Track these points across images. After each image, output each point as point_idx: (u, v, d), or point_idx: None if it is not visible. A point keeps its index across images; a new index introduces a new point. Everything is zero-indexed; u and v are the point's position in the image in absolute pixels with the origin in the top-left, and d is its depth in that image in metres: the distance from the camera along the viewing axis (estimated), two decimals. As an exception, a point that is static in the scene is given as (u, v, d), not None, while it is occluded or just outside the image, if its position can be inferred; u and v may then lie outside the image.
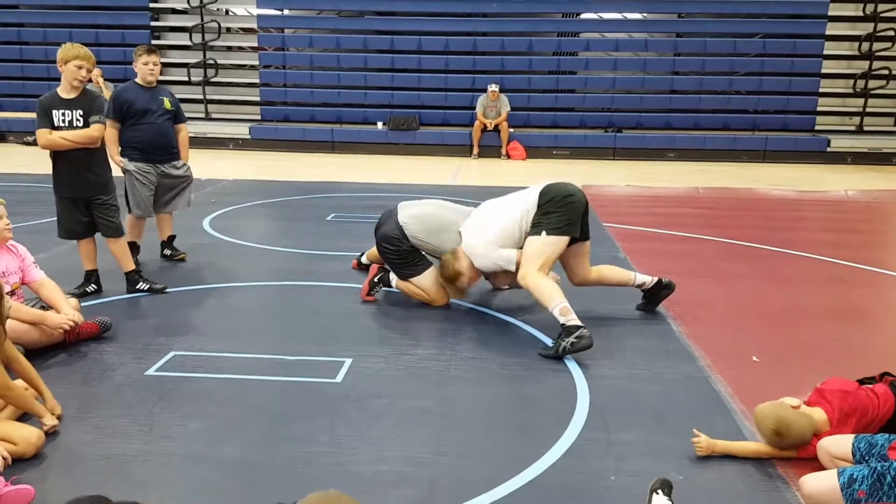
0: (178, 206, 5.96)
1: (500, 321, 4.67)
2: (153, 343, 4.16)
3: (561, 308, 4.09)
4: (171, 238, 6.03)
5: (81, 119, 4.67)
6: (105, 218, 4.90)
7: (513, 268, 4.45)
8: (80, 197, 4.83)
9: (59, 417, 3.20)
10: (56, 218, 4.96)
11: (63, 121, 4.64)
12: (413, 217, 4.80)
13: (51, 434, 3.07)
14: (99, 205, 4.87)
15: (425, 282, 4.83)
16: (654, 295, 4.80)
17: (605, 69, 14.58)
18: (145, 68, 5.50)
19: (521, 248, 4.43)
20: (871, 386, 3.14)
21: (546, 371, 3.88)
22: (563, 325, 4.05)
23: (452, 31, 14.50)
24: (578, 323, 4.04)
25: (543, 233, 4.31)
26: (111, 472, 2.85)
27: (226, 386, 3.65)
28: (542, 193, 4.44)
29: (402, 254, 4.80)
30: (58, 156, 4.74)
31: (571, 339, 3.97)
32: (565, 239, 4.36)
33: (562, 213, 4.35)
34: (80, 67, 4.61)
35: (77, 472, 2.86)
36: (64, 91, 4.67)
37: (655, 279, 4.78)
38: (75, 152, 4.70)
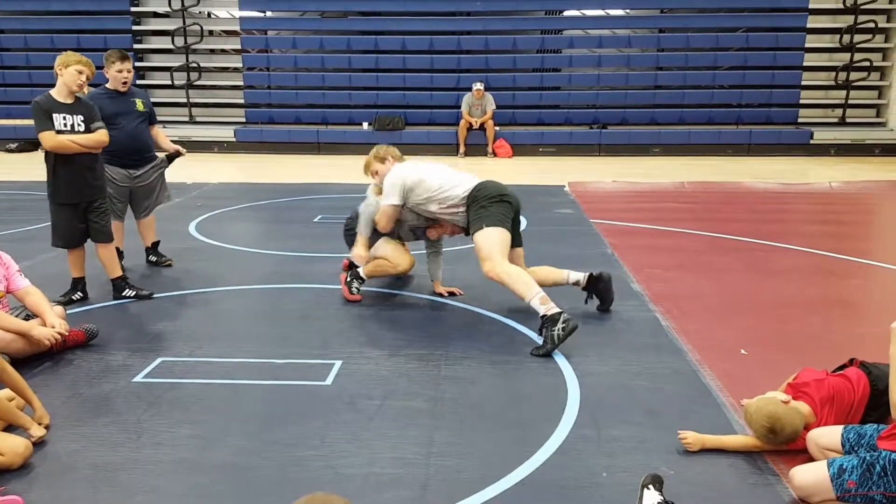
0: (160, 201, 5.91)
1: (489, 320, 4.67)
2: (140, 350, 4.13)
3: (540, 297, 4.14)
4: (156, 244, 5.98)
5: (83, 124, 4.66)
6: (100, 223, 4.87)
7: (365, 221, 4.94)
8: (82, 202, 4.79)
9: (46, 427, 3.17)
10: (51, 226, 4.88)
11: (65, 125, 4.61)
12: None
13: (38, 444, 3.04)
14: (95, 209, 4.85)
15: (384, 249, 5.05)
16: (595, 290, 4.74)
17: (589, 66, 14.63)
18: (119, 76, 5.41)
19: (410, 207, 4.81)
20: (842, 371, 3.18)
21: (536, 368, 3.89)
22: (545, 314, 4.08)
23: (436, 31, 14.50)
24: (559, 309, 4.08)
25: (484, 226, 4.45)
26: (100, 481, 2.83)
27: (215, 391, 3.63)
28: (478, 188, 4.63)
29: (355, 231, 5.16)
30: (59, 161, 4.68)
31: (559, 326, 4.00)
32: (506, 232, 4.49)
33: (497, 208, 4.53)
34: (80, 72, 4.60)
35: (65, 481, 2.83)
36: (61, 96, 4.64)
37: (586, 274, 4.76)
38: (81, 157, 4.68)
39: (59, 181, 4.72)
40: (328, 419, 3.32)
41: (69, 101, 4.65)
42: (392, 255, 5.06)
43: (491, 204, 4.55)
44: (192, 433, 3.20)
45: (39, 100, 4.62)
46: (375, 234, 5.07)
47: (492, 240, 4.42)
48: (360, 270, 5.06)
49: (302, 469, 2.92)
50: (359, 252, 4.97)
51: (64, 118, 4.60)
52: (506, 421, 3.34)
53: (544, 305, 4.10)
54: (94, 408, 3.44)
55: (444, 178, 4.73)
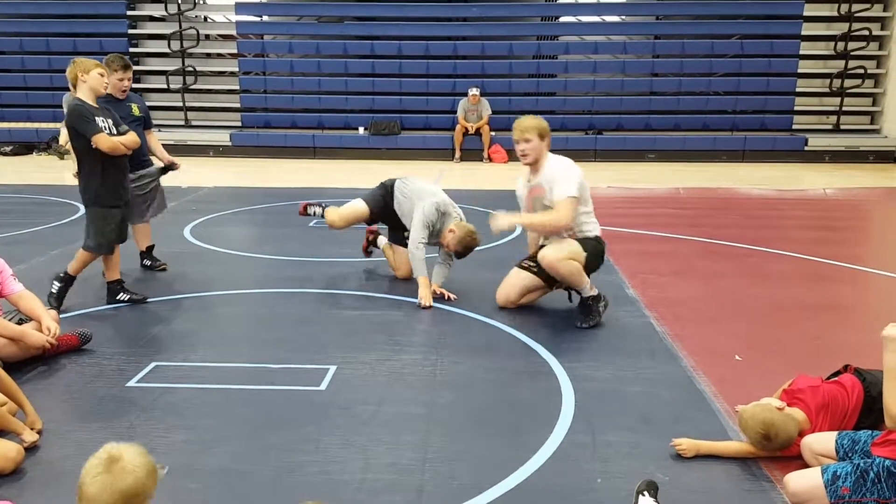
0: (154, 213, 5.91)
1: (485, 325, 4.67)
2: (134, 354, 4.11)
3: (590, 284, 4.68)
4: (151, 248, 5.95)
5: (114, 128, 4.70)
6: (124, 222, 4.94)
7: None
8: (121, 203, 4.84)
9: (38, 432, 3.15)
10: (94, 232, 4.78)
11: (104, 128, 4.62)
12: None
13: (30, 449, 3.02)
14: (126, 208, 4.92)
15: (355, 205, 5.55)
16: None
17: (584, 72, 14.65)
18: (119, 84, 5.41)
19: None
20: (836, 378, 3.18)
21: (531, 374, 3.89)
22: (593, 296, 4.65)
23: (433, 36, 14.53)
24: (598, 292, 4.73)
25: (585, 249, 4.69)
26: (93, 486, 2.81)
27: (209, 396, 3.61)
28: (600, 240, 4.83)
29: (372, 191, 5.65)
30: (108, 163, 4.68)
31: (602, 303, 4.67)
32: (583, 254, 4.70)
33: (596, 258, 4.78)
34: (102, 75, 4.65)
35: (57, 487, 2.81)
36: (91, 100, 4.65)
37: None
38: (121, 158, 4.74)
39: (107, 183, 4.72)
40: (323, 424, 3.31)
41: (96, 105, 4.68)
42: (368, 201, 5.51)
43: (595, 248, 4.74)
44: (186, 438, 3.18)
45: (77, 104, 4.58)
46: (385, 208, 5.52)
47: (570, 251, 4.60)
48: (327, 210, 5.66)
49: (296, 475, 2.91)
50: (424, 294, 4.97)
51: (102, 121, 4.63)
52: (501, 426, 3.33)
53: (592, 290, 4.68)
54: (87, 412, 3.43)
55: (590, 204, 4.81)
